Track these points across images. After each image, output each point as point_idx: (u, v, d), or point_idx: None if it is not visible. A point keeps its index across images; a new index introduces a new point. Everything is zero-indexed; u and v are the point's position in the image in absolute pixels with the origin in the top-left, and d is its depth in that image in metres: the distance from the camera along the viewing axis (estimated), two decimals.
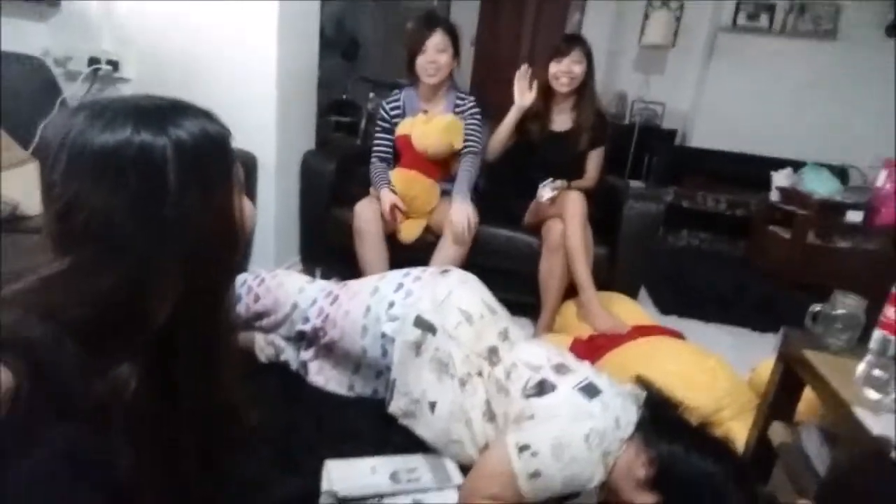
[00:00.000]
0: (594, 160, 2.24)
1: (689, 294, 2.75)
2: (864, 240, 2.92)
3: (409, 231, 2.05)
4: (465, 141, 2.08)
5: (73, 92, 1.85)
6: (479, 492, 1.04)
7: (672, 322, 2.31)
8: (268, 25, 1.87)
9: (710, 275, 3.11)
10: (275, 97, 1.95)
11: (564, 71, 2.07)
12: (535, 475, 1.01)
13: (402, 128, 2.09)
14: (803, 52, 3.93)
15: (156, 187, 0.56)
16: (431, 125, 2.03)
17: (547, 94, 2.14)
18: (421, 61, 2.01)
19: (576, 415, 1.06)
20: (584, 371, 1.18)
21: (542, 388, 1.13)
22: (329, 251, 2.23)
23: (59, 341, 0.52)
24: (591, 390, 1.11)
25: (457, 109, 2.11)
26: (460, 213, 1.92)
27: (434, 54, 1.99)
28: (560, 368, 1.17)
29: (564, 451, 1.02)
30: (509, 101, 2.12)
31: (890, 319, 0.97)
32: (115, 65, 1.93)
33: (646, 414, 1.11)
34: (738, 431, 1.40)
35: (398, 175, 2.06)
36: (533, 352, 1.24)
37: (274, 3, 1.86)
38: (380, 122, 2.15)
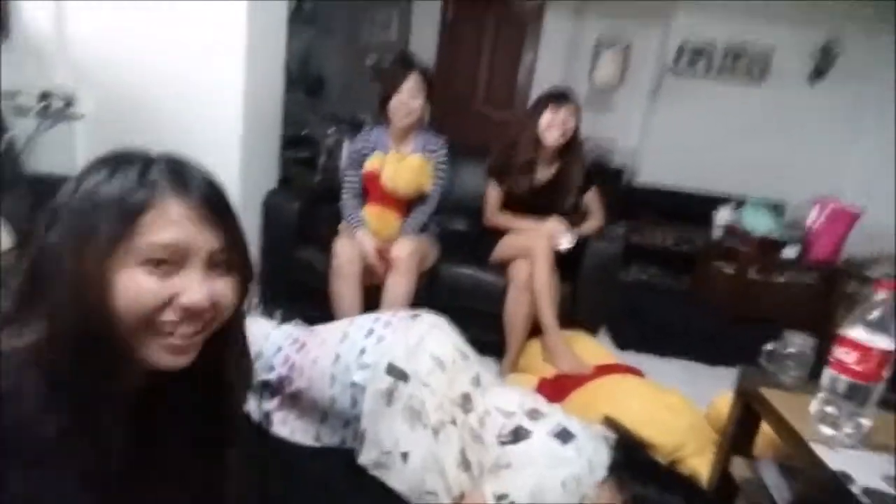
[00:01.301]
0: (594, 201, 2.28)
1: (643, 329, 2.84)
2: (800, 274, 3.13)
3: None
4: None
5: (23, 128, 1.76)
6: None
7: (630, 357, 2.38)
8: (235, 59, 1.85)
9: (660, 309, 3.23)
10: (240, 134, 1.93)
11: (560, 122, 2.07)
12: None
13: (371, 164, 2.09)
14: (738, 94, 4.25)
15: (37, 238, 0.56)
16: (403, 165, 2.06)
17: (536, 144, 2.12)
18: (395, 103, 2.02)
19: (552, 461, 1.08)
20: (556, 415, 1.20)
21: (517, 434, 1.13)
22: (290, 291, 2.18)
23: (34, 394, 0.51)
24: (565, 435, 1.13)
25: (428, 148, 2.13)
26: (399, 247, 1.94)
27: (408, 98, 2.01)
28: (533, 414, 1.19)
29: (542, 497, 1.02)
30: (466, 134, 2.18)
31: (838, 359, 1.04)
32: (69, 100, 1.86)
33: (618, 456, 1.14)
34: (700, 467, 1.45)
35: (369, 212, 2.07)
36: (505, 397, 1.26)
37: (241, 34, 1.84)
38: (351, 157, 2.16)
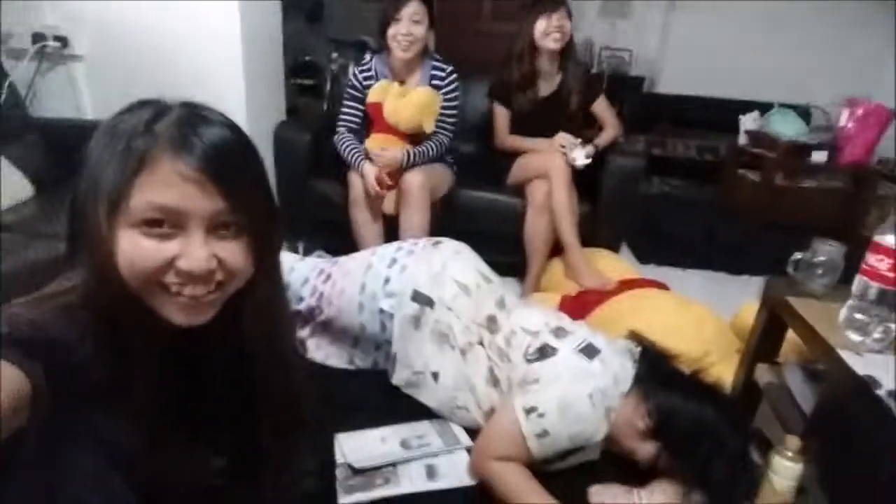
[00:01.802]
0: (605, 110, 2.19)
1: (665, 242, 2.82)
2: (829, 178, 3.03)
3: (392, 202, 1.99)
4: (438, 123, 2.00)
5: (21, 73, 1.72)
6: (490, 454, 1.08)
7: (650, 271, 2.38)
8: None
9: (683, 221, 3.19)
10: (241, 65, 1.86)
11: (556, 27, 1.98)
12: (543, 435, 1.05)
13: (374, 94, 1.99)
14: None
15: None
16: (406, 100, 1.94)
17: (531, 56, 2.05)
18: (393, 32, 1.88)
19: (578, 375, 1.10)
20: (581, 332, 1.22)
21: (544, 352, 1.16)
22: (309, 223, 2.19)
23: (80, 338, 0.51)
24: (590, 350, 1.15)
25: (433, 82, 2.00)
26: (410, 179, 1.87)
27: (409, 25, 1.87)
28: (559, 332, 1.21)
29: (570, 410, 1.06)
30: (472, 56, 2.05)
31: (871, 266, 1.02)
32: (63, 41, 1.80)
33: (642, 368, 1.16)
34: (724, 374, 1.48)
35: (374, 141, 1.99)
36: (530, 317, 1.27)
37: None
38: (349, 91, 2.05)
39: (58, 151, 1.67)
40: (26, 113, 1.73)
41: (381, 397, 1.35)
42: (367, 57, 2.07)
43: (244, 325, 0.62)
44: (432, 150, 1.97)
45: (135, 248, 0.51)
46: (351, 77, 2.07)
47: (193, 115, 0.55)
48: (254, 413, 0.67)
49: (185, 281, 0.53)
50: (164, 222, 0.51)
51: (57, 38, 1.79)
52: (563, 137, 2.02)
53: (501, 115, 2.15)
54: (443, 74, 2.00)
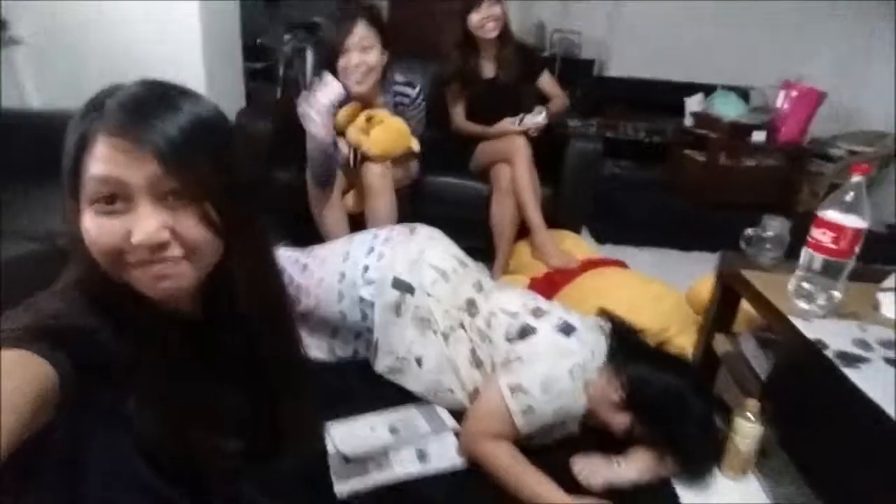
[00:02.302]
0: (549, 83, 2.27)
1: (620, 222, 2.95)
2: (767, 157, 3.23)
3: (352, 200, 1.97)
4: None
5: None
6: (480, 432, 1.13)
7: (609, 249, 2.49)
8: None
9: (634, 201, 3.33)
10: (200, 51, 1.79)
11: (486, 16, 2.03)
12: (529, 411, 1.11)
13: (341, 123, 1.83)
14: None
15: None
16: (381, 131, 1.80)
17: (470, 45, 2.12)
18: (343, 64, 1.72)
19: (558, 352, 1.16)
20: (557, 311, 1.28)
21: (524, 332, 1.21)
22: (272, 214, 2.15)
23: (99, 324, 0.53)
24: (567, 328, 1.21)
25: (399, 107, 1.90)
26: (368, 171, 1.81)
27: (359, 55, 1.71)
28: (536, 312, 1.26)
29: (552, 386, 1.12)
30: (426, 35, 2.05)
31: (815, 239, 1.12)
32: (1, 24, 1.68)
33: (613, 342, 1.24)
34: (684, 345, 1.59)
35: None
36: (508, 299, 1.32)
37: None
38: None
39: (3, 143, 1.57)
40: None
41: (364, 385, 1.37)
42: (320, 79, 1.78)
43: (241, 302, 0.63)
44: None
45: (94, 227, 0.52)
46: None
47: (138, 92, 0.55)
48: (267, 390, 0.69)
49: (143, 255, 0.53)
50: (116, 198, 0.52)
51: None
52: (507, 123, 2.09)
53: (455, 102, 2.21)
54: (408, 100, 1.92)
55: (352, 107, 1.83)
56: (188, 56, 1.78)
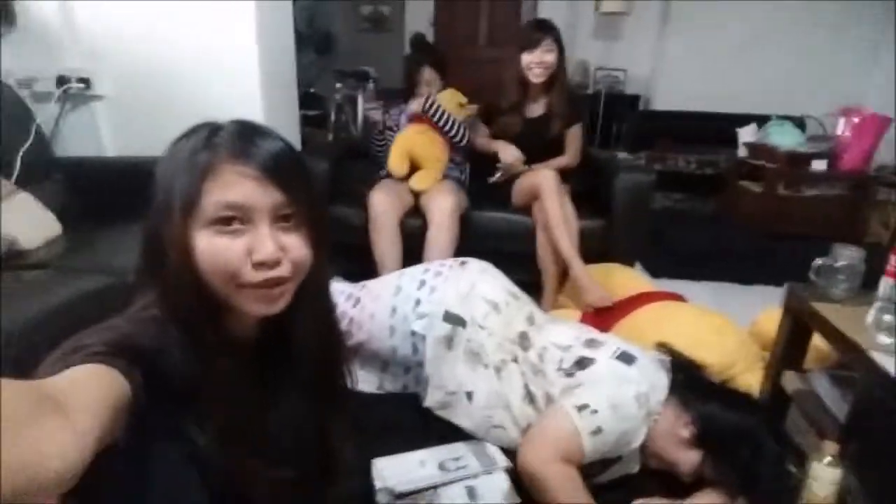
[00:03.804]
0: (572, 138, 2.28)
1: (674, 255, 2.86)
2: (830, 186, 3.09)
3: (423, 181, 2.10)
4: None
5: (47, 115, 1.77)
6: (546, 457, 1.06)
7: (664, 284, 2.40)
8: (246, 26, 1.82)
9: (689, 235, 3.24)
10: (260, 99, 1.91)
11: (537, 62, 2.10)
12: (597, 431, 1.05)
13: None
14: (749, 8, 4.06)
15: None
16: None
17: (522, 84, 2.18)
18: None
19: (620, 379, 1.12)
20: (613, 341, 1.24)
21: (582, 363, 1.18)
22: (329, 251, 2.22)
23: (168, 346, 0.56)
24: (627, 357, 1.17)
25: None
26: (440, 203, 1.99)
27: (426, 90, 2.18)
28: (591, 343, 1.23)
29: (620, 408, 1.07)
30: (469, 80, 2.20)
31: (895, 268, 1.05)
32: (86, 82, 1.85)
33: (677, 377, 1.18)
34: (750, 382, 1.50)
35: (407, 135, 2.15)
36: (560, 332, 1.29)
37: (250, 4, 1.81)
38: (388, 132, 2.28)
39: (80, 189, 1.71)
40: (51, 153, 1.77)
41: (414, 420, 1.35)
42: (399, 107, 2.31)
43: (298, 329, 0.67)
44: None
45: (211, 247, 0.57)
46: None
47: (246, 127, 0.62)
48: (316, 421, 0.71)
49: (260, 272, 0.58)
50: (234, 220, 0.57)
51: (80, 80, 1.84)
52: (501, 145, 2.18)
53: (479, 127, 2.31)
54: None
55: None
56: (249, 104, 1.89)
